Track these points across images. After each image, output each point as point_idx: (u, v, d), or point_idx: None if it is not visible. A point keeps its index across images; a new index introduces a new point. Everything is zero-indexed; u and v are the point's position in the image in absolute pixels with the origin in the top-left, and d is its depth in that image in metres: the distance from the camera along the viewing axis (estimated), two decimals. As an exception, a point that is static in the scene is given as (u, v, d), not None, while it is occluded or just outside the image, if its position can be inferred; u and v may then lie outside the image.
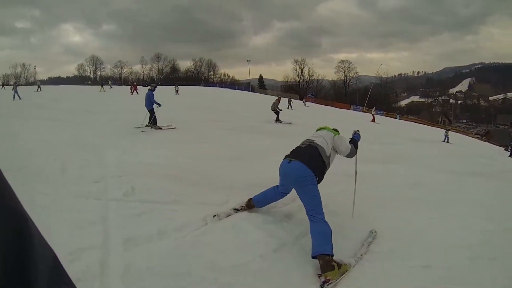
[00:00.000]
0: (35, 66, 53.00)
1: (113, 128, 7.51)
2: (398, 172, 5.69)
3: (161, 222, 2.52)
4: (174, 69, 61.88)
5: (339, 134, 2.86)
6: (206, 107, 16.86)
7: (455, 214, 3.73)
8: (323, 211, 2.37)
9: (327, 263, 2.14)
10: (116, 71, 59.48)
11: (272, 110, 12.82)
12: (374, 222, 3.13)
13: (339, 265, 2.20)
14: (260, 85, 60.06)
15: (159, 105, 8.25)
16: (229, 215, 2.82)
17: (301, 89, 57.64)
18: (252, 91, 47.80)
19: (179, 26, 67.47)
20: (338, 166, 3.29)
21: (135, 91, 24.56)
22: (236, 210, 2.90)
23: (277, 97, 13.85)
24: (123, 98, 19.38)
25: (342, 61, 64.60)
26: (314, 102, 37.56)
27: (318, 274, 2.15)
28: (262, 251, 2.26)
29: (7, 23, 54.11)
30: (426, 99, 70.10)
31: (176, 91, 27.33)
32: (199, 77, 59.67)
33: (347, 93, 60.61)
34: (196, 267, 1.96)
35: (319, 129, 2.95)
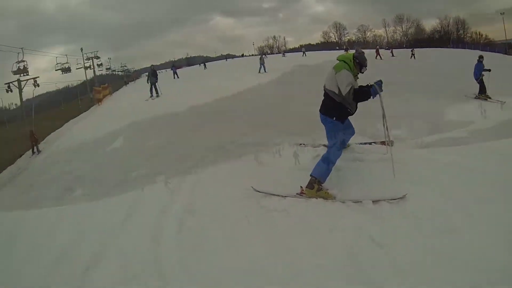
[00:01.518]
0: (284, 37, 62.40)
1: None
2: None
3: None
4: (419, 29, 55.81)
5: (342, 70, 2.83)
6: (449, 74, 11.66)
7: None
8: (335, 145, 2.89)
9: (311, 182, 2.84)
10: (360, 35, 60.52)
11: None
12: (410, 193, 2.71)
13: (319, 189, 2.79)
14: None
15: (486, 71, 8.33)
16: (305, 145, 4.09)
17: None
18: (505, 53, 33.36)
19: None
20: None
21: (378, 55, 21.38)
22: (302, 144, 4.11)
23: None
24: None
25: None
26: None
27: (300, 186, 2.89)
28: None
29: (254, 6, 69.10)
30: None
31: (413, 54, 22.51)
32: (447, 38, 51.42)
33: None
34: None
35: (337, 60, 3.04)
